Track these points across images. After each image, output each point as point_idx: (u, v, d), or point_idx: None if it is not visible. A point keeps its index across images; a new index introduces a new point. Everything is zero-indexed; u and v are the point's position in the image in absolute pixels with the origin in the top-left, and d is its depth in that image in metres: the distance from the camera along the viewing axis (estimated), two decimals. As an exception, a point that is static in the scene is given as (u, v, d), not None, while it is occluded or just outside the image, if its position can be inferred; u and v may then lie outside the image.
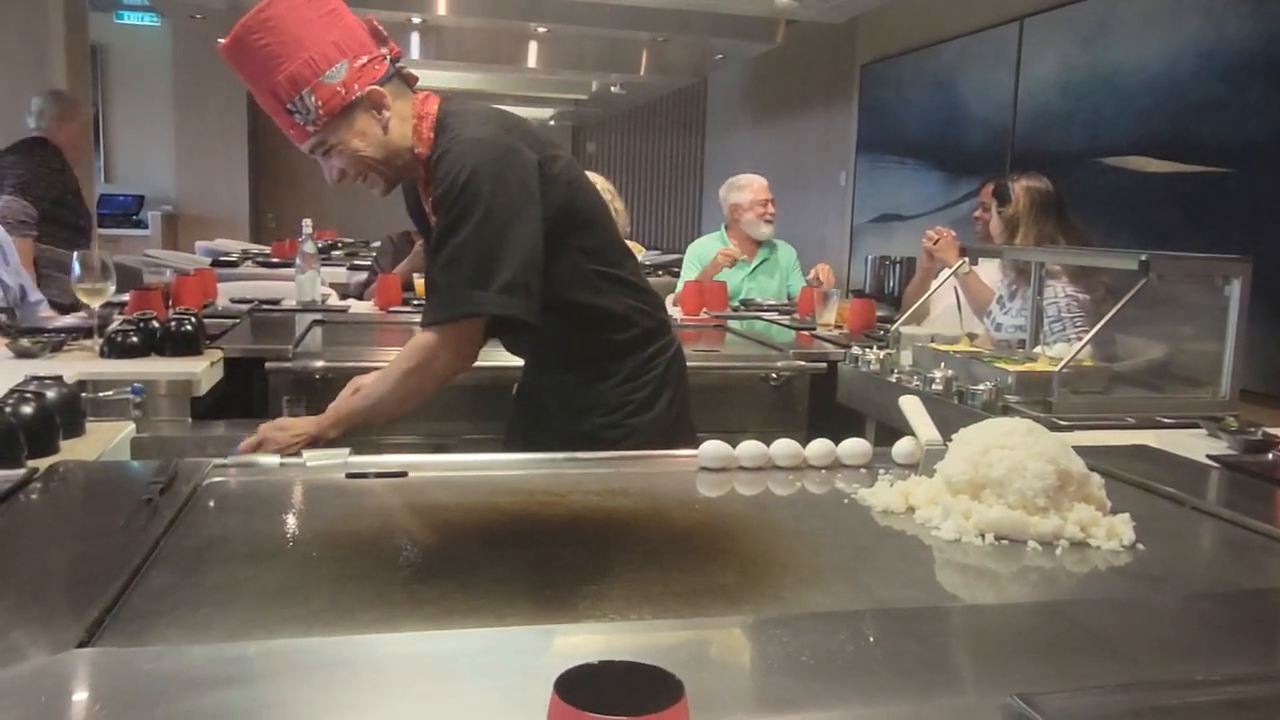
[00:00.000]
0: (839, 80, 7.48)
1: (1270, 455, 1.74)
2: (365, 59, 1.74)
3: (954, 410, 2.20)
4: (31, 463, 1.42)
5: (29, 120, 4.35)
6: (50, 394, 1.58)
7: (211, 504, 1.31)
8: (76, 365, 2.23)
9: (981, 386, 2.20)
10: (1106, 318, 2.24)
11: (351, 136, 1.76)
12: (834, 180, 7.57)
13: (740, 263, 4.42)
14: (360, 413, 1.80)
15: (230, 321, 3.15)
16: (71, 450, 1.57)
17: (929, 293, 3.29)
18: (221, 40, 1.74)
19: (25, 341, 2.34)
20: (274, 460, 1.49)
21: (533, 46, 6.40)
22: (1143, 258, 2.14)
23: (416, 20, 5.97)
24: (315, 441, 1.71)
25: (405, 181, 1.95)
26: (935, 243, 3.51)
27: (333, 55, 1.71)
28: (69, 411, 1.63)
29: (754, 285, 4.51)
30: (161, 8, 7.25)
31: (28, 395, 1.53)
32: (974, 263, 3.15)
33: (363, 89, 1.74)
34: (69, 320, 2.74)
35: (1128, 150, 4.34)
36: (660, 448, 1.77)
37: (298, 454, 1.53)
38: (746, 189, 4.45)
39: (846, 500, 1.40)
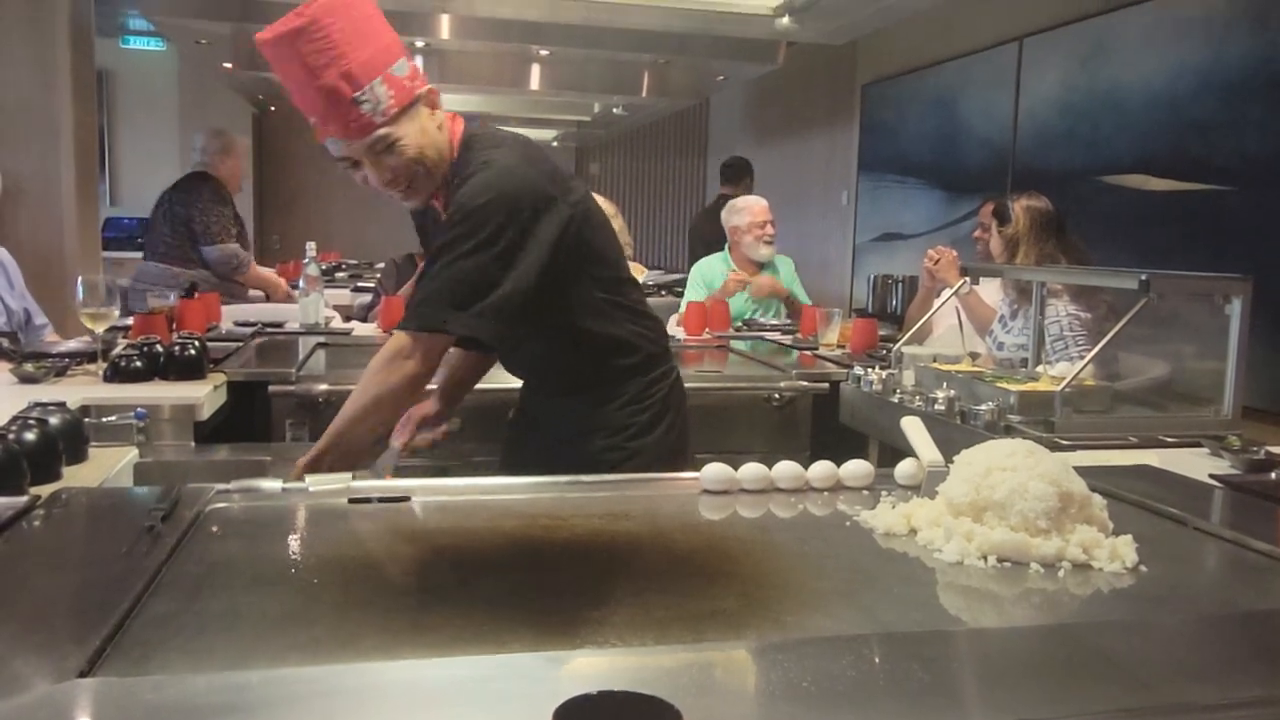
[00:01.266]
0: (840, 100, 7.51)
1: (1273, 474, 1.74)
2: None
3: (957, 430, 2.20)
4: (34, 490, 1.42)
5: (193, 155, 4.74)
6: (53, 420, 1.59)
7: (214, 530, 1.31)
8: (80, 390, 2.23)
9: (984, 407, 2.19)
10: (1108, 337, 2.24)
11: (415, 133, 1.75)
12: (836, 200, 7.59)
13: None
14: (338, 423, 1.76)
15: (234, 345, 3.16)
16: (74, 476, 1.58)
17: (931, 312, 3.30)
18: (262, 34, 1.70)
19: (29, 366, 2.35)
20: (276, 485, 1.49)
21: (535, 69, 6.43)
22: (1143, 277, 2.14)
23: (420, 44, 6.01)
24: (315, 465, 1.71)
25: None
26: (936, 262, 3.52)
27: (396, 50, 1.72)
28: (72, 438, 1.63)
29: (757, 305, 4.52)
30: (167, 33, 7.30)
31: (31, 422, 1.53)
32: (975, 282, 3.15)
33: (423, 86, 1.75)
34: (73, 344, 2.75)
35: (1128, 169, 4.35)
36: (660, 471, 1.78)
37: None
38: (745, 212, 4.47)
39: (849, 522, 1.40)
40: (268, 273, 4.92)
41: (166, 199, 4.60)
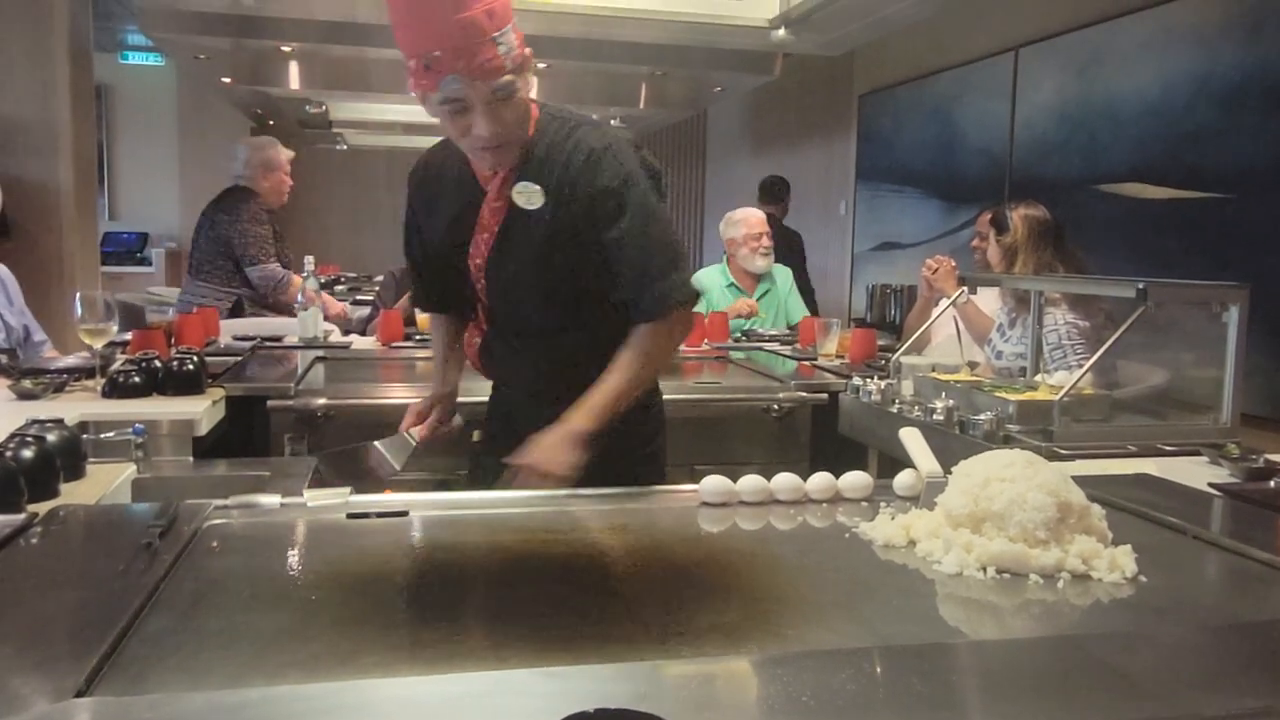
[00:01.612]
0: (837, 110, 7.52)
1: (1272, 483, 1.74)
2: None
3: (956, 440, 2.20)
4: (32, 507, 1.42)
5: (233, 168, 4.60)
6: (51, 437, 1.58)
7: (213, 546, 1.31)
8: (78, 406, 2.23)
9: (983, 416, 2.20)
10: (1105, 346, 2.25)
11: (526, 86, 1.73)
12: (834, 209, 7.60)
13: (741, 294, 4.45)
14: (614, 400, 1.77)
15: (233, 359, 3.16)
16: (72, 493, 1.57)
17: (929, 322, 3.30)
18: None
19: (27, 383, 2.35)
20: (275, 500, 1.49)
21: (533, 82, 6.45)
22: (1140, 285, 2.15)
23: (418, 57, 6.03)
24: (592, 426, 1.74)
25: (447, 164, 1.90)
26: (934, 272, 3.53)
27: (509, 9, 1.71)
28: (69, 455, 1.63)
29: (756, 316, 4.53)
30: (166, 48, 7.31)
31: (28, 439, 1.53)
32: (973, 292, 3.16)
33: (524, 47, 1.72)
34: (71, 360, 2.75)
35: (1125, 177, 4.35)
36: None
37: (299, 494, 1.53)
38: (740, 224, 4.48)
39: (848, 534, 1.40)
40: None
41: (208, 217, 4.52)
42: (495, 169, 1.80)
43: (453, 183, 1.89)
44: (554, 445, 1.70)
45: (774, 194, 6.82)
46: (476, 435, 2.14)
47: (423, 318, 3.86)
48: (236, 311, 4.16)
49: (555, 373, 1.92)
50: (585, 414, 1.74)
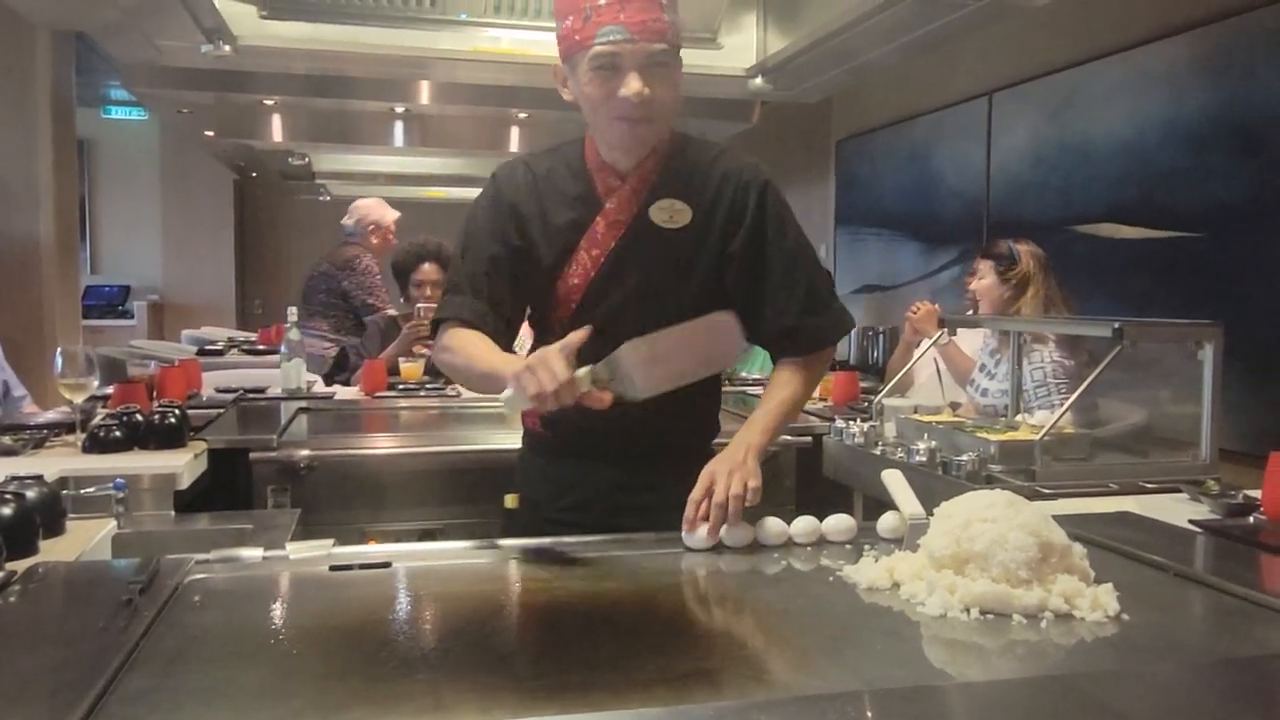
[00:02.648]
0: (815, 156, 7.62)
1: (1252, 518, 1.75)
2: None
3: (938, 481, 2.20)
4: (11, 565, 1.41)
5: (346, 226, 5.06)
6: (30, 494, 1.57)
7: (194, 601, 1.30)
8: (59, 462, 2.22)
9: (965, 457, 2.20)
10: (1083, 385, 2.27)
11: (679, 72, 1.67)
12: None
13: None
14: (786, 414, 1.76)
15: (215, 412, 3.15)
16: (51, 550, 1.56)
17: (910, 364, 3.32)
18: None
19: (7, 439, 2.33)
20: (257, 554, 1.48)
21: (514, 131, 6.51)
22: (1116, 325, 2.17)
23: (400, 110, 6.09)
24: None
25: (557, 172, 1.76)
26: (917, 314, 3.59)
27: None
28: (49, 511, 1.62)
29: (742, 363, 4.53)
30: (149, 103, 7.37)
31: (7, 496, 1.52)
32: (953, 333, 3.18)
33: None
34: (51, 416, 2.73)
35: (1100, 218, 4.42)
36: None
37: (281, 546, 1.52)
38: None
39: (832, 578, 1.40)
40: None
41: (322, 275, 4.95)
42: (629, 150, 1.68)
43: (565, 192, 1.74)
44: (738, 459, 1.61)
45: None
46: (511, 501, 1.87)
47: (409, 368, 3.86)
48: (342, 360, 4.33)
49: (634, 423, 1.67)
50: (759, 430, 1.68)
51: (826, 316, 1.79)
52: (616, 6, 1.57)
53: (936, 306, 3.69)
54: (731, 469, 1.58)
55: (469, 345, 1.68)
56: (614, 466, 1.78)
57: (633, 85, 1.59)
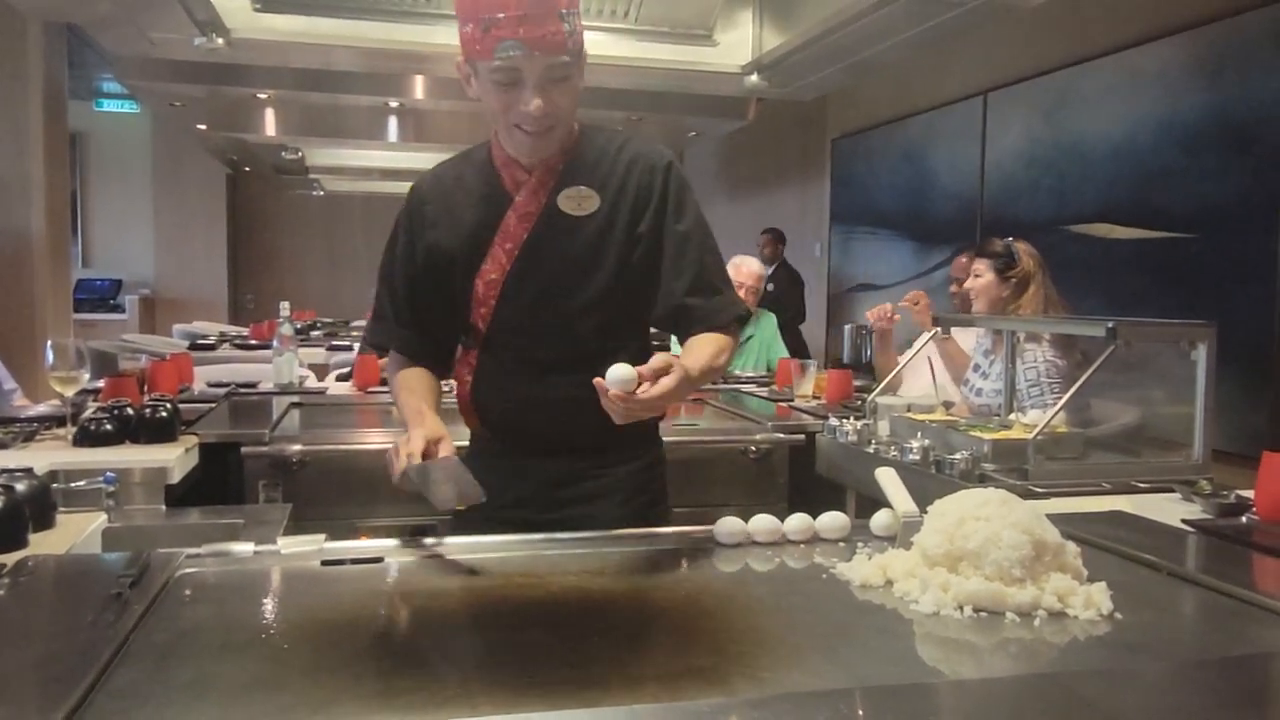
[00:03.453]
0: (811, 154, 7.62)
1: (1244, 518, 1.75)
2: None
3: (931, 480, 2.20)
4: (0, 557, 1.40)
5: None
6: (19, 487, 1.56)
7: (185, 595, 1.29)
8: (49, 455, 2.21)
9: (958, 456, 2.20)
10: (1077, 385, 2.27)
11: (578, 83, 1.67)
12: (809, 251, 7.68)
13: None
14: (704, 376, 1.69)
15: (206, 406, 3.14)
16: (41, 544, 1.55)
17: (904, 363, 3.32)
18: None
19: (-3, 432, 2.32)
20: (248, 548, 1.47)
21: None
22: (1109, 324, 2.17)
23: (394, 104, 6.08)
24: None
25: (466, 175, 1.79)
26: (916, 304, 3.63)
27: None
28: (38, 504, 1.61)
29: (737, 359, 4.53)
30: (141, 96, 7.34)
31: (-3, 488, 1.51)
32: (946, 332, 3.19)
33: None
34: (41, 409, 2.72)
35: (1093, 218, 4.43)
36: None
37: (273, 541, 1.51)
38: (734, 270, 4.50)
39: (825, 575, 1.40)
40: None
41: None
42: (533, 155, 1.70)
43: (474, 192, 1.77)
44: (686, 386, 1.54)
45: (781, 237, 7.50)
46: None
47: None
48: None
49: (568, 410, 1.72)
50: (693, 366, 1.61)
51: (715, 300, 1.76)
52: (515, 21, 1.55)
53: (930, 301, 3.73)
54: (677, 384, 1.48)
55: (399, 387, 1.82)
56: (553, 461, 1.79)
57: (532, 102, 1.60)
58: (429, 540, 1.60)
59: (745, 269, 4.47)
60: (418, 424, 1.63)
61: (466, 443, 1.88)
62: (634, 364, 1.47)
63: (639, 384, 1.44)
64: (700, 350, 1.70)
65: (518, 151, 1.71)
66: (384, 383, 3.88)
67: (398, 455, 1.54)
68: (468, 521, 1.72)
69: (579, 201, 1.72)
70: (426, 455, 1.54)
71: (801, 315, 7.41)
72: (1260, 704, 1.05)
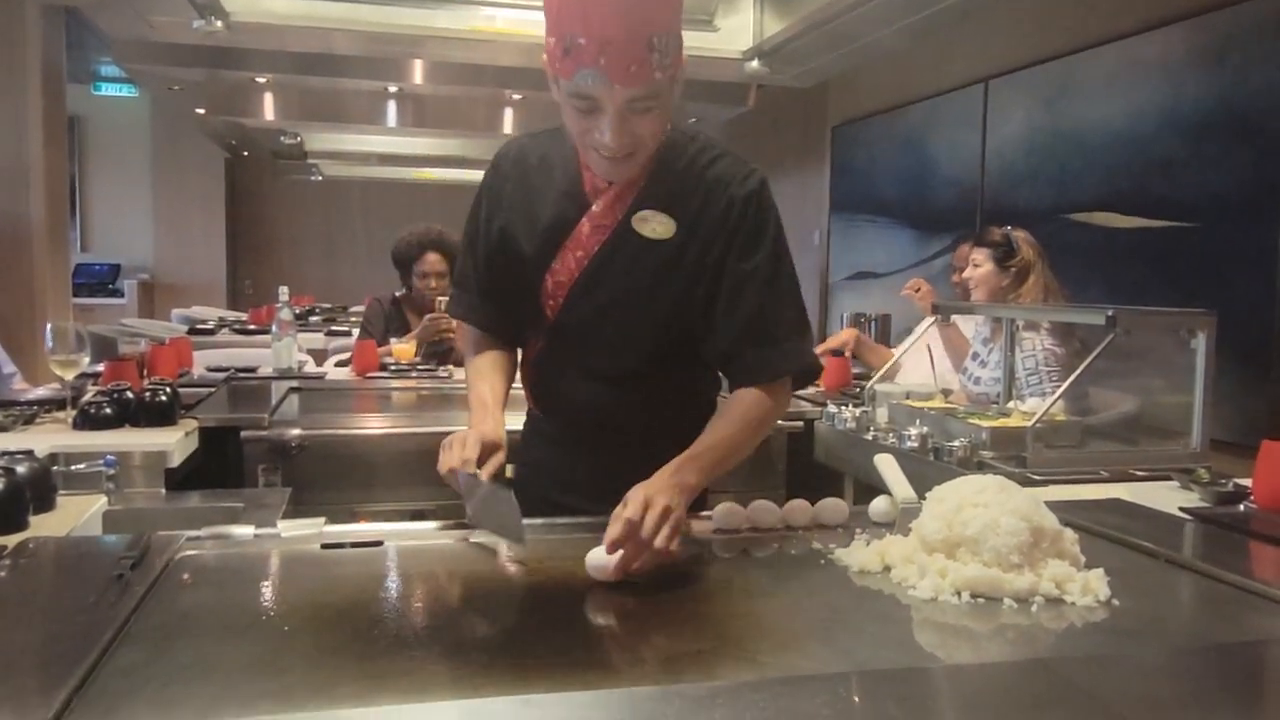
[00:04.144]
0: (811, 141, 7.61)
1: (1241, 507, 1.76)
2: None
3: (930, 467, 2.21)
4: (1, 539, 1.40)
5: None
6: (20, 469, 1.56)
7: (185, 578, 1.30)
8: (49, 438, 2.21)
9: (956, 443, 2.21)
10: (1076, 373, 2.27)
11: (668, 106, 1.52)
12: (809, 239, 7.66)
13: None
14: (726, 456, 1.54)
15: (206, 390, 3.14)
16: (42, 526, 1.55)
17: (904, 349, 3.32)
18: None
19: (-3, 415, 2.32)
20: (248, 532, 1.48)
21: (508, 113, 6.49)
22: (1109, 312, 2.18)
23: (393, 89, 6.06)
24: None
25: (553, 159, 1.68)
26: (918, 291, 3.65)
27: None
28: (39, 486, 1.61)
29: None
30: (140, 79, 7.32)
31: (-3, 471, 1.51)
32: (946, 320, 3.19)
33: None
34: (41, 392, 2.72)
35: (1094, 206, 4.42)
36: None
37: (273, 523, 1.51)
38: None
39: (823, 561, 1.40)
40: None
41: None
42: (611, 179, 1.60)
43: (554, 184, 1.66)
44: (662, 489, 1.38)
45: None
46: (509, 470, 1.80)
47: (402, 348, 3.85)
48: None
49: (613, 418, 1.71)
50: (696, 470, 1.46)
51: (772, 350, 1.61)
52: (596, 49, 1.39)
53: (931, 288, 3.75)
54: (667, 506, 1.34)
55: (471, 370, 1.74)
56: (606, 452, 1.75)
57: (609, 133, 1.47)
58: (428, 524, 1.60)
59: None
60: (479, 421, 1.60)
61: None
62: (687, 391, 1.62)
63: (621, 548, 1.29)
64: (716, 433, 1.56)
65: (596, 170, 1.60)
66: (428, 359, 3.89)
67: (450, 450, 1.50)
68: (519, 493, 1.59)
69: (653, 225, 1.61)
70: (480, 462, 1.50)
71: None
72: (1256, 690, 1.05)
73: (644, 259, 1.62)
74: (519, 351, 1.82)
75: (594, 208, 1.63)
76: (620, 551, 1.28)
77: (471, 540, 1.49)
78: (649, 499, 1.33)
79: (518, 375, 1.81)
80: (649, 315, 1.65)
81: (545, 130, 1.74)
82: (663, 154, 1.62)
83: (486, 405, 1.65)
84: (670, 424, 1.69)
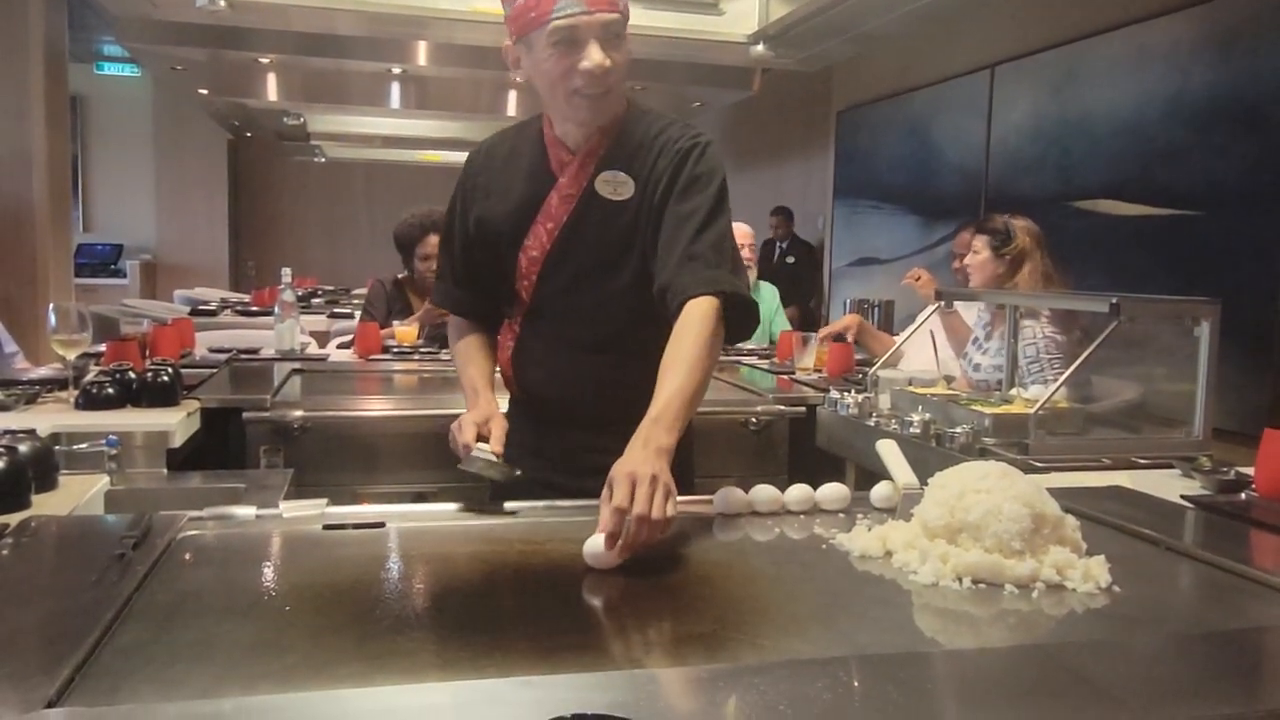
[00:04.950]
0: (815, 126, 7.58)
1: (1243, 495, 1.76)
2: None
3: (932, 453, 2.21)
4: (3, 518, 1.40)
5: None
6: (22, 448, 1.57)
7: (186, 557, 1.30)
8: (51, 418, 2.21)
9: (959, 429, 2.21)
10: (1079, 360, 2.27)
11: (627, 50, 1.68)
12: (813, 224, 7.65)
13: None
14: (687, 403, 1.52)
15: (208, 371, 3.14)
16: (44, 505, 1.56)
17: (905, 336, 3.32)
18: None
19: (-1, 394, 2.33)
20: (250, 512, 1.48)
21: (512, 95, 6.47)
22: (1113, 300, 2.17)
23: (397, 70, 6.03)
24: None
25: (518, 149, 1.82)
26: (918, 279, 3.64)
27: None
28: (41, 465, 1.61)
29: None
30: (142, 59, 7.29)
31: None
32: (949, 306, 3.19)
33: None
34: (44, 372, 2.72)
35: (1098, 194, 4.41)
36: None
37: (275, 505, 1.51)
38: None
39: (825, 545, 1.40)
40: None
41: None
42: (590, 122, 1.71)
43: (522, 168, 1.80)
44: (655, 465, 1.37)
45: (790, 214, 7.70)
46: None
47: (404, 331, 3.85)
48: None
49: (596, 388, 1.78)
50: (662, 429, 1.45)
51: (705, 270, 1.63)
52: None
53: (932, 276, 3.74)
54: (653, 475, 1.34)
55: (458, 357, 1.90)
56: (582, 431, 1.81)
57: (594, 56, 1.61)
58: (430, 506, 1.61)
59: (738, 230, 4.46)
60: (471, 404, 1.75)
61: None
62: (645, 364, 1.58)
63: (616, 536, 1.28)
64: (667, 386, 1.52)
65: (576, 117, 1.71)
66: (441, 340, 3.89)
67: (457, 440, 1.67)
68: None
69: (615, 186, 1.73)
70: (479, 437, 1.65)
71: (817, 288, 7.51)
72: (1255, 677, 1.05)
73: (610, 221, 1.74)
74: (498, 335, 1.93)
75: (561, 179, 1.75)
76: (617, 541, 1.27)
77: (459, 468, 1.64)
78: (633, 476, 1.33)
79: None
80: (620, 277, 1.75)
81: (512, 126, 1.91)
82: (622, 123, 1.76)
83: (476, 390, 1.79)
84: (645, 389, 1.62)
